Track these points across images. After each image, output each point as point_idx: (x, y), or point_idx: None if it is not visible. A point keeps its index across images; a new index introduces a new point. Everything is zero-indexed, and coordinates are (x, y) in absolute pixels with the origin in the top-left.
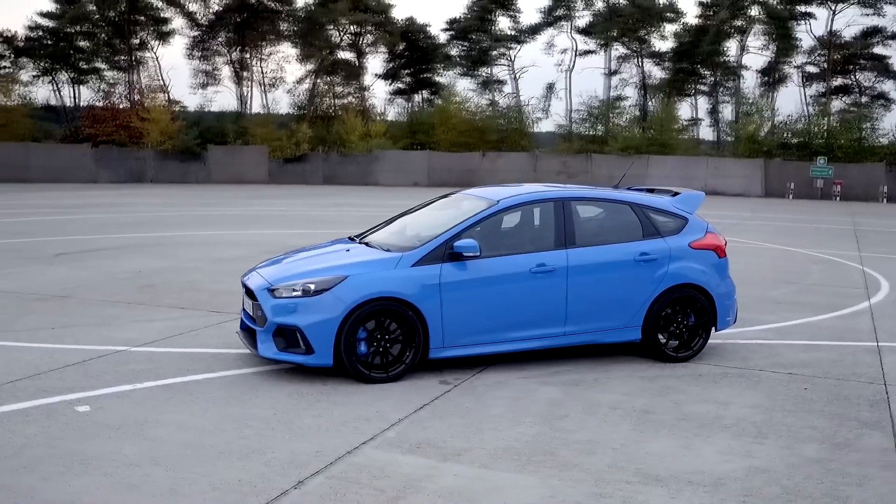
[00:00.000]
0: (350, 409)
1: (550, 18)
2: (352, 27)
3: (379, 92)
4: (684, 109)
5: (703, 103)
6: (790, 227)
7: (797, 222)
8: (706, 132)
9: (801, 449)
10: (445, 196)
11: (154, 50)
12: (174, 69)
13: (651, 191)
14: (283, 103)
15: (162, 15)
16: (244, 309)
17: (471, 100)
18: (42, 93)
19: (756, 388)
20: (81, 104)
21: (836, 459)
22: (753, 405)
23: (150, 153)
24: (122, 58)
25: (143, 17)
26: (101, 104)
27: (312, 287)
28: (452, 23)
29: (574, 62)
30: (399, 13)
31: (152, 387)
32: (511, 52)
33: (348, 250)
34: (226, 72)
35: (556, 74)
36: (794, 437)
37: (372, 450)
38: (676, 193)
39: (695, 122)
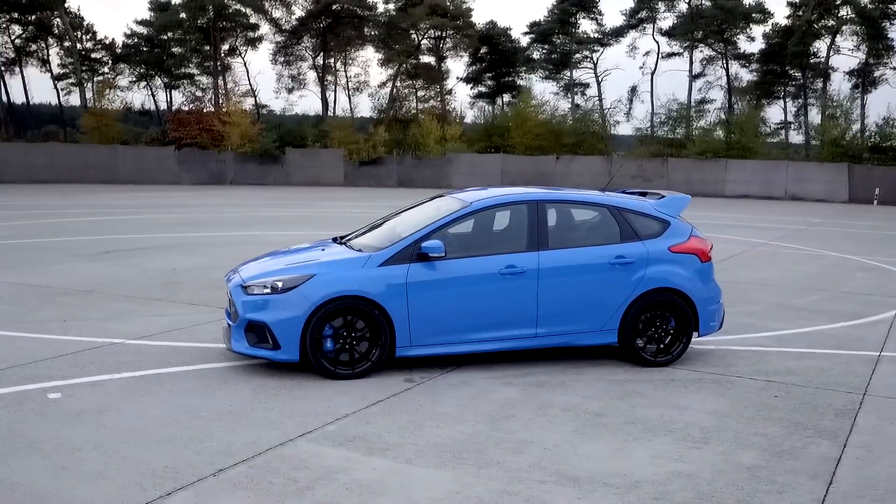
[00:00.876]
0: (305, 404)
1: (633, 20)
2: (432, 31)
3: (461, 95)
4: (774, 112)
5: (792, 106)
6: (858, 234)
7: (869, 229)
8: (794, 136)
9: (738, 456)
10: (436, 198)
11: (243, 55)
12: (262, 73)
13: (644, 194)
14: (363, 107)
15: (250, 21)
16: (227, 307)
17: (547, 102)
18: (139, 97)
19: (724, 394)
20: (174, 108)
21: (769, 467)
22: (711, 411)
23: (230, 156)
24: (211, 63)
25: (230, 24)
26: (186, 108)
27: (280, 285)
28: (533, 26)
29: (657, 64)
30: (480, 17)
31: (128, 377)
32: (594, 54)
33: (324, 250)
34: (311, 76)
35: (640, 77)
36: (738, 444)
37: (305, 442)
38: (663, 196)
39: (784, 125)
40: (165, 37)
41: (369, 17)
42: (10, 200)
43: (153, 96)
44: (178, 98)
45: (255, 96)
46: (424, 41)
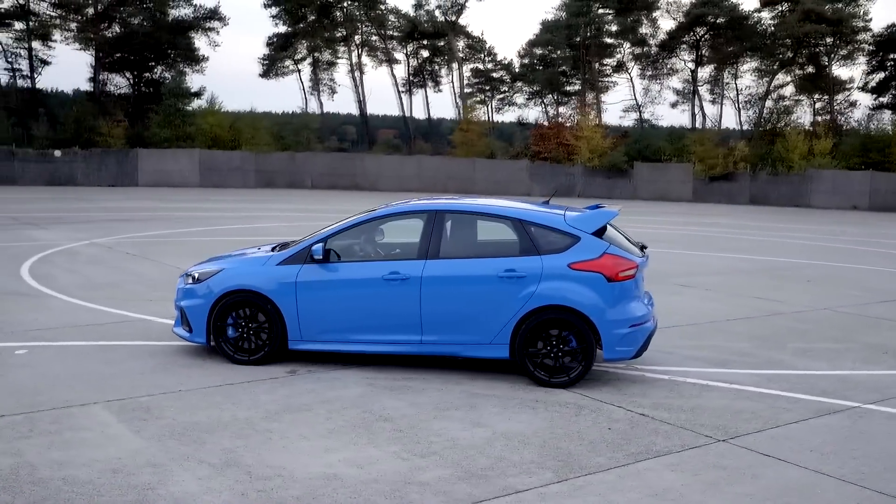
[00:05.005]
0: (170, 379)
1: None
2: (815, 39)
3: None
4: None
5: None
6: None
7: None
8: None
9: (421, 468)
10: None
11: (629, 71)
12: (618, 86)
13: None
14: (730, 119)
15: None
16: None
17: None
18: (532, 114)
19: (551, 418)
20: (536, 123)
21: (418, 482)
22: (502, 433)
23: (579, 169)
24: (581, 78)
25: (600, 41)
26: (547, 123)
27: (196, 276)
28: None
29: None
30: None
31: (93, 345)
32: None
33: (258, 249)
34: (678, 88)
35: None
36: (443, 458)
37: (92, 406)
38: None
39: None
40: (555, 55)
41: (746, 26)
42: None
43: (545, 112)
44: (566, 113)
45: (599, 112)
46: (805, 50)
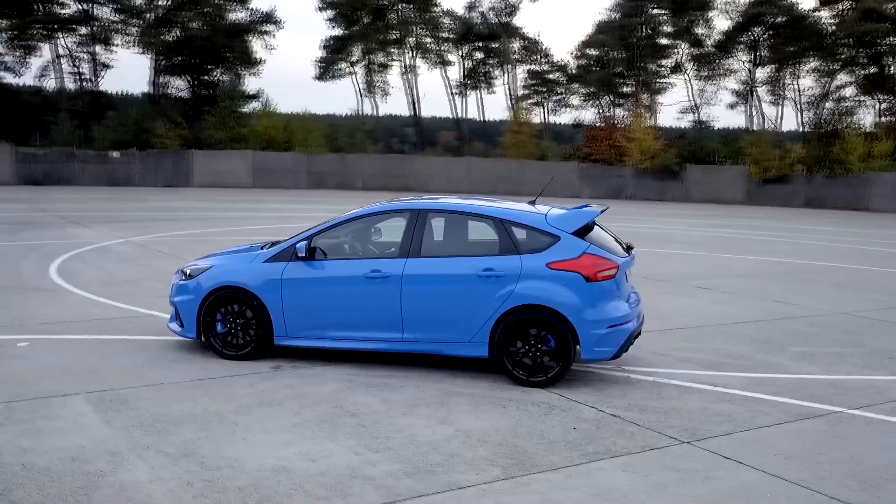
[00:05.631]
0: (156, 372)
1: None
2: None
3: None
4: None
5: None
6: None
7: None
8: None
9: (371, 463)
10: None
11: (686, 72)
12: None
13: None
14: (790, 121)
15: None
16: None
17: None
18: (588, 115)
19: (519, 417)
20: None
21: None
22: (464, 429)
23: (629, 171)
24: (641, 79)
25: (662, 42)
26: (599, 125)
27: (188, 273)
28: None
29: None
30: None
31: (93, 339)
32: None
33: (250, 247)
34: (732, 88)
35: None
36: (397, 454)
37: (73, 397)
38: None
39: None
40: (610, 56)
41: (805, 25)
42: None
43: (601, 113)
44: (620, 114)
45: (654, 114)
46: (867, 49)
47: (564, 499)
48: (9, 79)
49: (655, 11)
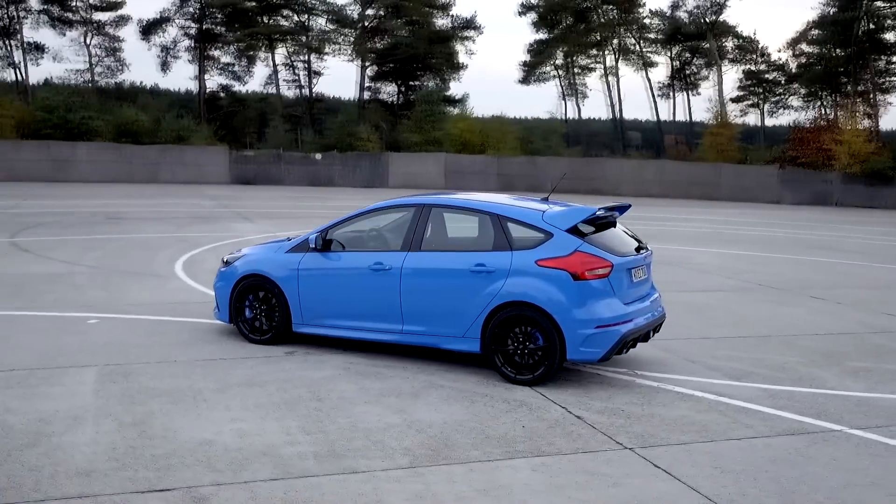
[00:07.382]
0: (178, 351)
1: None
2: None
3: None
4: None
5: None
6: None
7: None
8: None
9: (292, 443)
10: None
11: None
12: None
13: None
14: None
15: None
16: None
17: None
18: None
19: (478, 412)
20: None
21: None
22: (415, 420)
23: (836, 176)
24: (863, 77)
25: (887, 37)
26: (808, 126)
27: (226, 260)
28: None
29: None
30: None
31: (156, 319)
32: None
33: (288, 239)
34: None
35: None
36: (325, 438)
37: (86, 369)
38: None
39: None
40: (828, 53)
41: None
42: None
43: (822, 115)
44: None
45: (877, 115)
46: None
47: (445, 491)
48: (237, 87)
49: (878, 4)
